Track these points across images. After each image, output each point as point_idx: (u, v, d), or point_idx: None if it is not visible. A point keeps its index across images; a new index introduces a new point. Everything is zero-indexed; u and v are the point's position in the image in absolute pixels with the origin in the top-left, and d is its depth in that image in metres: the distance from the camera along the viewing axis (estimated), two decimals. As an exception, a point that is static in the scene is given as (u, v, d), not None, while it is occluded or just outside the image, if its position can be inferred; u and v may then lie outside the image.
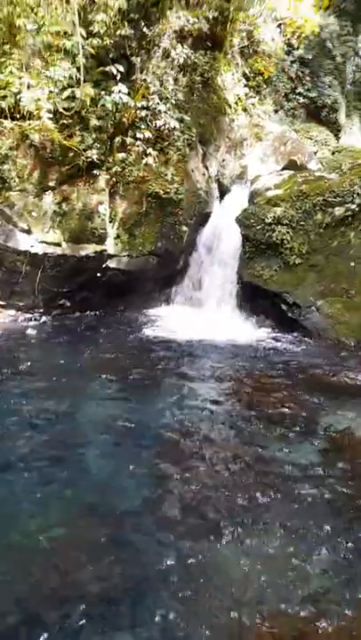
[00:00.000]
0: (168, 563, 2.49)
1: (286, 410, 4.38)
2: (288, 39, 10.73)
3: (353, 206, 6.99)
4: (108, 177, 7.64)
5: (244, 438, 3.85)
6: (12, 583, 2.35)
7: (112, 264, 7.77)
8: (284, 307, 7.28)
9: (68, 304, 7.70)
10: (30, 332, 6.63)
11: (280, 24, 10.67)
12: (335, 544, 2.69)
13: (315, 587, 2.39)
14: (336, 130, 11.23)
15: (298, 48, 10.83)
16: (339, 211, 7.08)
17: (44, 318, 7.32)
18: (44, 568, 2.47)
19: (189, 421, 4.09)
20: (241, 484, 3.23)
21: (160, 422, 4.06)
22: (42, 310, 7.50)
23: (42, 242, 7.34)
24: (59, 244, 7.41)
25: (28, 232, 7.31)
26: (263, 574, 2.42)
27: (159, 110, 7.77)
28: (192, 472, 3.36)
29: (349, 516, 2.95)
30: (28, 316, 7.32)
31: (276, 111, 10.54)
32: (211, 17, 8.56)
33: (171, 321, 7.54)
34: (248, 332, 7.22)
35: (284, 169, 8.79)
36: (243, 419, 4.20)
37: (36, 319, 7.25)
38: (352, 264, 6.96)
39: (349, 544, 2.69)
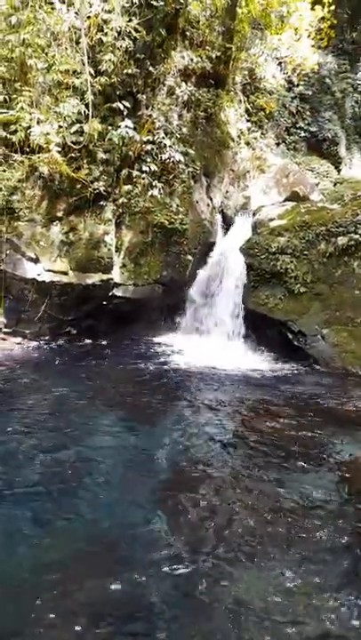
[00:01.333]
0: (172, 594, 2.43)
1: (294, 439, 4.32)
2: (288, 76, 11.13)
3: (356, 236, 7.06)
4: (114, 208, 7.79)
5: (251, 468, 3.79)
6: (12, 614, 2.29)
7: (118, 292, 7.81)
8: (289, 335, 7.26)
9: (75, 332, 7.73)
10: (36, 359, 6.63)
11: (280, 62, 11.08)
12: (342, 575, 2.61)
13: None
14: (337, 162, 11.49)
15: (298, 85, 11.22)
16: (342, 240, 7.14)
17: (50, 346, 7.33)
18: (46, 599, 2.39)
19: (196, 450, 4.03)
20: (249, 516, 3.15)
21: (166, 451, 4.00)
22: (48, 338, 7.53)
23: (49, 270, 7.41)
24: (65, 273, 7.48)
25: (36, 261, 7.39)
26: (272, 606, 2.36)
27: (164, 144, 7.97)
28: (199, 502, 3.30)
29: (355, 546, 2.87)
30: (35, 343, 7.33)
31: (277, 144, 10.81)
32: (213, 56, 8.90)
33: (176, 349, 7.54)
34: (254, 360, 7.20)
35: (286, 200, 8.94)
36: (250, 448, 4.13)
37: (42, 347, 7.27)
38: (357, 292, 6.98)
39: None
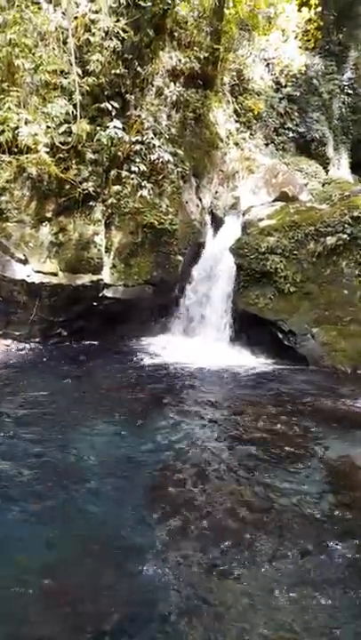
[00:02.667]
0: (167, 601, 2.39)
1: (284, 438, 4.32)
2: (276, 77, 11.15)
3: (344, 236, 7.07)
4: (103, 208, 7.69)
5: (243, 468, 3.77)
6: (6, 623, 2.23)
7: (108, 293, 7.72)
8: (279, 334, 7.26)
9: (65, 333, 7.64)
10: (26, 361, 6.56)
11: (268, 63, 11.10)
12: (334, 575, 2.60)
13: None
14: (325, 163, 11.53)
15: (286, 86, 11.23)
16: (330, 240, 7.15)
17: (40, 348, 7.26)
18: (37, 606, 2.35)
19: (185, 451, 4.01)
20: (241, 518, 3.13)
21: (155, 452, 3.98)
22: (38, 340, 7.46)
23: (38, 271, 7.33)
24: (55, 274, 7.40)
25: (25, 262, 7.31)
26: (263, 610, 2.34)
27: (153, 145, 7.90)
28: (192, 504, 3.27)
29: (344, 546, 2.86)
30: (25, 345, 7.26)
31: (266, 145, 10.82)
32: (202, 57, 8.85)
33: (167, 350, 7.52)
34: (245, 360, 7.18)
35: (275, 200, 8.92)
36: (241, 448, 4.13)
37: (32, 349, 7.19)
38: (345, 292, 7.00)
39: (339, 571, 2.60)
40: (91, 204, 7.57)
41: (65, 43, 7.38)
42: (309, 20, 10.75)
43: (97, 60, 7.37)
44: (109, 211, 7.75)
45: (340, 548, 2.86)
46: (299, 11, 10.62)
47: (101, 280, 7.63)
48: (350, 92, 12.12)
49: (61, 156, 7.39)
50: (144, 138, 7.80)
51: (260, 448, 4.12)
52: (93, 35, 7.35)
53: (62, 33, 7.37)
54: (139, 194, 7.78)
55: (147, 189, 7.81)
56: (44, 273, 7.36)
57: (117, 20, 7.41)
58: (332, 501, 3.35)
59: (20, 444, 4.01)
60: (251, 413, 4.91)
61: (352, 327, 6.79)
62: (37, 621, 2.27)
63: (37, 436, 4.14)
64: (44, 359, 6.74)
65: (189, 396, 5.44)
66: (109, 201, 7.69)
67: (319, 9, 10.70)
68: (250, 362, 7.10)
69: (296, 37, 10.78)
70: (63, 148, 7.33)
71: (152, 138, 7.89)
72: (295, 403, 5.26)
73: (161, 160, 7.93)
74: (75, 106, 7.18)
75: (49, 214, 7.50)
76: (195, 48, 8.84)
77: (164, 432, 4.40)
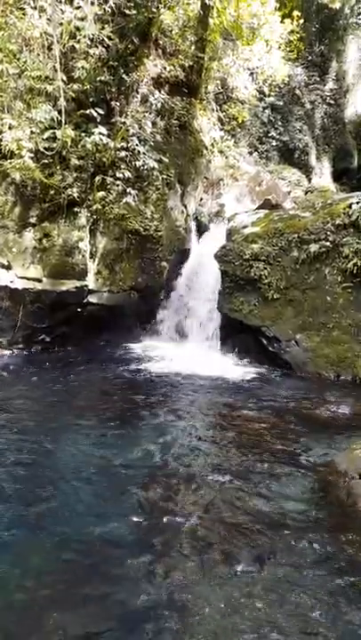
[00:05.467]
0: (151, 605, 2.37)
1: (270, 443, 4.32)
2: (260, 87, 11.30)
3: (327, 243, 7.11)
4: (88, 214, 7.67)
5: (229, 474, 3.77)
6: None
7: (93, 299, 7.69)
8: (264, 341, 7.29)
9: (49, 339, 7.53)
10: (8, 368, 6.47)
11: (252, 73, 11.24)
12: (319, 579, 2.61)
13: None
14: (308, 171, 11.73)
15: (269, 95, 11.43)
16: (313, 247, 7.14)
17: (23, 354, 7.17)
18: (23, 613, 2.31)
19: (173, 458, 3.98)
20: (228, 523, 3.12)
21: (142, 459, 3.94)
22: (22, 346, 7.36)
23: (22, 277, 7.26)
24: (39, 280, 7.34)
25: (8, 268, 7.23)
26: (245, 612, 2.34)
27: (138, 151, 7.91)
28: (175, 510, 3.26)
29: (328, 551, 2.87)
30: (8, 352, 7.15)
31: (250, 153, 10.98)
32: (186, 65, 8.94)
33: (152, 356, 7.51)
34: (229, 365, 7.21)
35: (259, 208, 9.05)
36: (225, 453, 4.12)
37: (15, 355, 7.10)
38: (328, 298, 6.96)
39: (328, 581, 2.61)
40: (75, 209, 7.56)
41: (50, 49, 7.34)
42: (292, 31, 10.95)
43: (82, 67, 7.37)
44: (94, 217, 7.73)
45: (320, 550, 2.86)
46: (282, 22, 10.80)
47: (86, 286, 7.60)
48: (332, 102, 12.35)
49: (46, 161, 7.34)
50: (129, 144, 7.82)
51: (243, 453, 4.10)
52: (79, 42, 7.34)
53: (47, 39, 7.33)
54: (124, 200, 7.80)
55: (132, 196, 7.83)
56: (28, 279, 7.29)
57: (103, 28, 7.43)
58: (314, 505, 3.36)
59: (0, 450, 3.95)
60: (235, 418, 4.91)
61: (335, 333, 6.84)
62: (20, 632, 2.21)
63: (18, 444, 4.08)
64: (27, 366, 6.65)
65: (174, 402, 5.42)
66: (94, 207, 7.67)
67: (302, 21, 10.91)
68: (235, 367, 7.13)
69: (279, 48, 10.94)
70: (47, 153, 7.28)
71: (137, 145, 7.88)
72: (279, 408, 5.26)
73: (146, 167, 7.96)
74: (59, 112, 7.13)
75: (33, 220, 7.44)
76: (179, 56, 8.93)
77: (148, 438, 4.36)
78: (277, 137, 11.43)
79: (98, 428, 4.56)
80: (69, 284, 7.44)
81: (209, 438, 4.50)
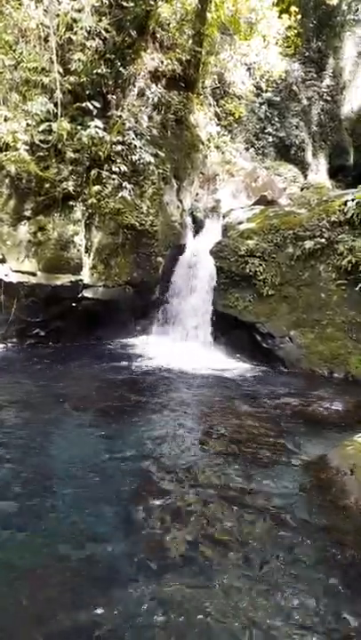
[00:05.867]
0: (143, 608, 2.35)
1: (263, 440, 4.30)
2: (257, 82, 11.26)
3: (322, 240, 7.11)
4: (83, 208, 7.65)
5: (223, 471, 3.75)
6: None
7: (88, 294, 7.67)
8: (258, 337, 7.29)
9: (43, 334, 7.51)
10: (2, 363, 6.44)
11: (249, 68, 11.19)
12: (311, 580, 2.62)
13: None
14: (304, 168, 11.71)
15: (266, 91, 11.38)
16: (309, 244, 7.07)
17: (16, 348, 7.14)
18: (12, 614, 2.30)
19: (166, 455, 3.95)
20: (223, 522, 3.11)
21: (136, 456, 3.90)
22: (15, 340, 7.34)
23: (16, 271, 7.22)
24: (34, 274, 7.31)
25: (3, 261, 7.18)
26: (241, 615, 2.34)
27: (134, 145, 7.88)
28: (168, 508, 3.23)
29: (319, 548, 2.89)
30: (1, 346, 7.13)
31: (247, 149, 10.94)
32: (183, 59, 8.88)
33: (146, 352, 7.53)
34: (224, 362, 7.24)
35: (255, 204, 9.01)
36: (221, 450, 4.09)
37: (9, 349, 7.06)
38: (322, 295, 6.96)
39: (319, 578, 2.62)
40: (71, 203, 7.52)
41: (46, 40, 7.28)
42: (290, 27, 10.89)
43: (79, 60, 7.31)
44: (89, 211, 7.70)
45: (312, 546, 2.87)
46: (279, 17, 10.73)
47: (81, 280, 7.58)
48: (329, 98, 12.32)
49: (41, 154, 7.30)
50: (125, 138, 7.80)
51: (236, 449, 4.08)
52: (75, 33, 7.28)
53: (43, 30, 7.28)
54: (119, 194, 7.81)
55: (127, 190, 7.86)
56: (23, 272, 7.25)
57: (100, 20, 7.36)
58: (306, 501, 3.36)
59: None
60: (228, 415, 4.90)
61: (329, 330, 6.85)
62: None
63: (10, 439, 4.04)
64: (21, 360, 6.62)
65: (168, 398, 5.39)
66: (90, 201, 7.63)
67: (299, 16, 10.85)
68: (229, 364, 7.15)
69: (276, 43, 10.89)
70: (43, 146, 7.23)
71: (133, 138, 7.87)
72: (272, 405, 5.27)
73: (142, 161, 7.93)
74: (55, 104, 7.09)
75: (28, 213, 7.38)
76: (177, 50, 8.86)
77: (141, 434, 4.33)
78: (274, 133, 11.39)
79: (91, 424, 4.53)
80: (64, 279, 7.41)
81: (202, 434, 4.48)
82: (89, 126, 7.26)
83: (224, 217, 8.67)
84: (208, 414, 4.97)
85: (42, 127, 7.11)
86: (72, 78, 7.36)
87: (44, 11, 7.18)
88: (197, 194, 9.52)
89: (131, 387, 5.75)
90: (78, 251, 7.53)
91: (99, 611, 2.33)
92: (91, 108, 7.40)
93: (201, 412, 5.04)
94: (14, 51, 7.21)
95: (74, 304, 7.60)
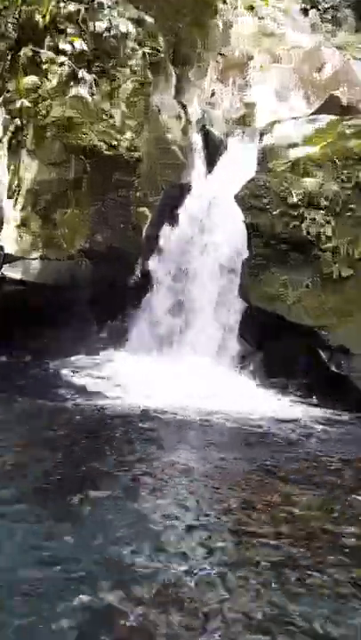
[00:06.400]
0: None
1: (319, 548, 4.16)
2: None
3: None
4: (7, 117, 7.75)
5: (237, 597, 3.58)
6: None
7: (12, 273, 7.78)
8: (322, 354, 7.31)
9: None
10: None
11: None
12: None
13: None
14: None
15: None
16: None
17: None
18: None
19: (143, 563, 3.80)
20: None
21: (93, 569, 3.73)
22: None
23: None
24: None
25: None
26: None
27: (100, 3, 7.86)
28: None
29: None
30: None
31: (305, 11, 10.87)
32: None
33: (120, 379, 7.58)
34: (255, 399, 7.25)
35: (319, 112, 8.84)
36: (238, 561, 3.92)
37: None
38: None
39: None
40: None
41: None
42: None
43: None
44: (17, 121, 7.73)
45: None
46: None
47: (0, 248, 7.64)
48: None
49: None
50: (84, -11, 7.78)
51: (273, 561, 3.94)
52: None
53: None
54: (71, 92, 7.84)
55: (86, 84, 7.83)
56: None
57: None
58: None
59: None
60: (258, 499, 4.82)
61: None
62: None
63: None
64: None
65: (154, 463, 5.38)
66: (18, 103, 7.67)
67: None
68: (265, 402, 7.21)
69: None
70: None
71: (98, -9, 7.83)
72: (341, 482, 5.26)
73: (114, 32, 7.90)
74: None
75: None
76: None
77: (111, 522, 4.28)
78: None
79: (20, 504, 4.47)
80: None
81: (208, 530, 4.23)
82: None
83: (262, 135, 8.68)
84: (221, 496, 4.89)
85: None
86: None
87: None
88: (213, 93, 9.41)
89: (89, 443, 5.80)
90: (-6, 194, 7.49)
91: None
92: None
93: (209, 491, 4.97)
94: None
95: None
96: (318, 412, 6.99)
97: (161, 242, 8.81)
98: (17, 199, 7.78)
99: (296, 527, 4.63)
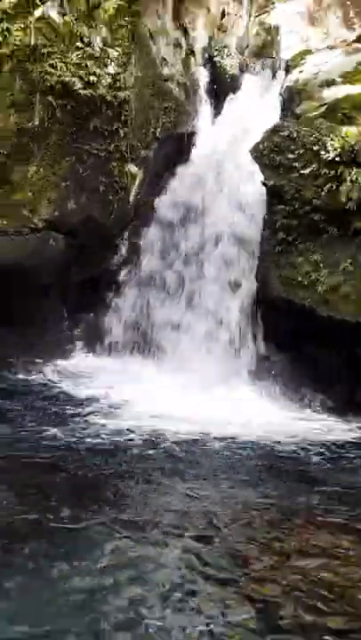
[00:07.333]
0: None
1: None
2: None
3: None
4: None
5: None
6: None
7: None
8: None
9: None
10: None
11: None
12: None
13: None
14: None
15: None
16: None
17: None
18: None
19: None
20: None
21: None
22: None
23: None
24: None
25: None
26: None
27: None
28: None
29: None
30: None
31: None
32: None
33: (102, 390, 7.55)
34: (279, 418, 7.21)
35: (359, 39, 8.46)
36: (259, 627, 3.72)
37: None
38: None
39: None
40: None
41: None
42: None
43: None
44: None
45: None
46: None
47: None
48: None
49: None
50: None
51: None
52: None
53: None
54: (37, 12, 7.80)
55: (56, 2, 7.86)
56: None
57: None
58: None
59: None
60: (286, 546, 4.65)
61: None
62: None
63: None
64: None
65: (150, 505, 5.29)
66: None
67: None
68: (295, 419, 7.22)
69: None
70: None
71: None
72: None
73: None
74: None
75: None
76: None
77: (90, 585, 4.00)
78: None
79: None
80: None
81: (223, 593, 4.10)
82: None
83: (289, 69, 8.54)
84: (239, 542, 4.72)
85: None
86: None
87: None
88: (225, 13, 9.12)
89: (68, 476, 5.67)
90: None
91: None
92: None
93: (221, 535, 4.79)
94: None
95: None
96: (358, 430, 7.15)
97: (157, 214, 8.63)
98: (-36, 155, 7.44)
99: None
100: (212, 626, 3.91)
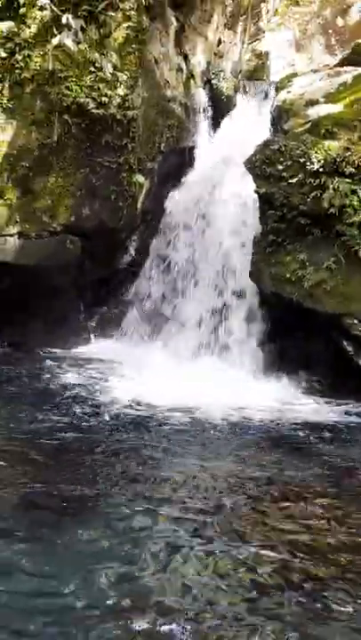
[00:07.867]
0: None
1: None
2: None
3: None
4: (-22, 70, 7.55)
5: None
6: None
7: (-16, 253, 7.58)
8: (347, 346, 7.34)
9: None
10: None
11: None
12: None
13: None
14: None
15: None
16: None
17: None
18: None
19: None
20: None
21: (90, 609, 3.74)
22: None
23: None
24: None
25: None
26: None
27: None
28: None
29: None
30: None
31: None
32: None
33: (114, 373, 7.71)
34: (274, 396, 7.34)
35: (343, 64, 8.79)
36: (260, 607, 3.90)
37: None
38: None
39: None
40: None
41: None
42: None
43: None
44: None
45: None
46: None
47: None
48: None
49: None
50: None
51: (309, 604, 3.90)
52: None
53: None
54: (55, 41, 7.88)
55: (71, 31, 7.81)
56: None
57: None
58: None
59: None
60: (277, 519, 4.66)
61: None
62: None
63: None
64: None
65: (155, 475, 5.35)
66: None
67: None
68: (285, 401, 7.28)
69: None
70: None
71: None
72: None
73: None
74: None
75: None
76: None
77: (106, 559, 4.04)
78: None
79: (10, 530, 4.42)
80: None
81: (219, 565, 4.23)
82: None
83: (278, 90, 8.66)
84: (236, 516, 4.70)
85: None
86: None
87: None
88: (221, 41, 9.34)
89: (82, 452, 5.74)
90: None
91: None
92: None
93: (220, 510, 4.77)
94: None
95: None
96: (342, 409, 7.06)
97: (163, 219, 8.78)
98: (-9, 167, 7.59)
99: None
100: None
